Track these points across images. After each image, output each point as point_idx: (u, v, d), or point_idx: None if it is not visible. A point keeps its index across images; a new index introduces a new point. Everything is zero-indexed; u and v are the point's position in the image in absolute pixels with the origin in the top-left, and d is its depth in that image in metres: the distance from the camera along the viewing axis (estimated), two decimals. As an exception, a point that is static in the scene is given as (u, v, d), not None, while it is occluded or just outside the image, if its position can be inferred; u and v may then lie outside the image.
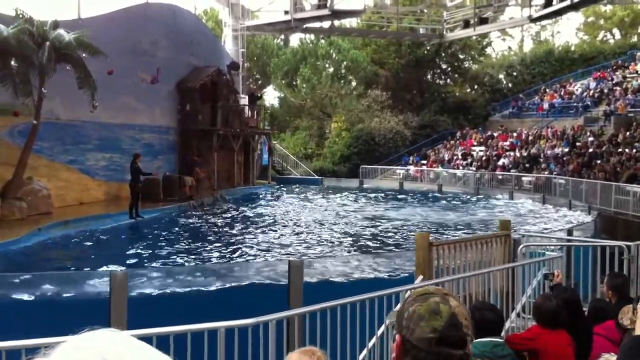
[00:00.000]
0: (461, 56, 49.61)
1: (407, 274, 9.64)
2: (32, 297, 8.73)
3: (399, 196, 30.55)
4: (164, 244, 15.93)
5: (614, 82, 39.39)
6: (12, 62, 16.37)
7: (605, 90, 38.53)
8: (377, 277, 10.81)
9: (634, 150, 27.63)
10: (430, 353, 1.66)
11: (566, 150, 31.79)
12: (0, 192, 17.01)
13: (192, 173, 24.69)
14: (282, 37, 49.82)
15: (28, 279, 9.37)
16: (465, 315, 1.71)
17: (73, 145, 21.40)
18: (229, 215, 22.21)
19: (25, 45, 16.72)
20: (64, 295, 8.83)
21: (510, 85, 49.63)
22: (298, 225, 20.02)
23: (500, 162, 34.02)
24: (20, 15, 17.42)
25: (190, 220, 20.40)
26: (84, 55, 18.10)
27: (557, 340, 4.67)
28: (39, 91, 17.21)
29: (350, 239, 17.25)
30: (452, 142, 40.07)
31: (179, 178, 24.29)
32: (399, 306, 1.78)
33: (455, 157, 37.38)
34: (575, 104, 38.83)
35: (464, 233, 17.60)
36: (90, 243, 15.81)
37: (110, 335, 0.96)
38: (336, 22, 38.35)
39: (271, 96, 52.40)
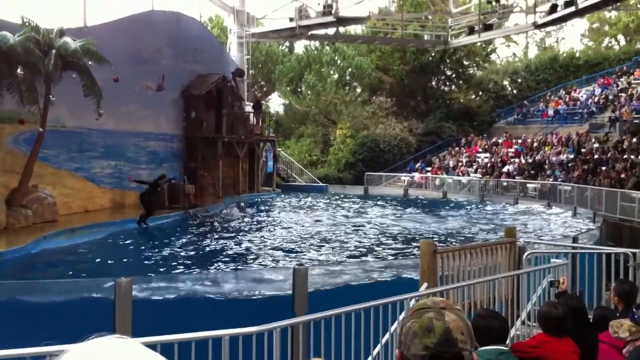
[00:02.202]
0: (466, 63, 49.59)
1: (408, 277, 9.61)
2: (37, 305, 8.73)
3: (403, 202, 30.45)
4: (167, 251, 15.94)
5: (619, 88, 39.35)
6: (19, 70, 16.41)
7: (610, 97, 38.49)
8: (378, 280, 10.77)
9: (640, 157, 27.57)
10: None
11: (571, 156, 31.73)
12: (6, 200, 17.07)
13: (196, 181, 24.72)
14: (287, 44, 49.91)
15: (33, 286, 9.39)
16: (462, 329, 1.66)
17: (78, 152, 21.48)
18: (232, 222, 22.18)
19: (31, 53, 16.79)
20: (69, 302, 8.83)
21: (515, 91, 49.58)
22: (299, 231, 19.99)
23: (505, 169, 33.97)
24: (27, 23, 17.48)
25: (195, 228, 20.42)
26: (89, 63, 18.17)
27: (563, 348, 4.65)
28: (45, 99, 17.28)
29: (358, 245, 17.21)
30: (457, 148, 40.04)
31: (183, 186, 24.34)
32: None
33: (460, 164, 37.34)
34: (580, 111, 38.79)
35: (470, 240, 17.54)
36: (95, 250, 15.81)
37: (118, 342, 0.94)
38: (341, 29, 38.44)
39: (276, 103, 52.55)
